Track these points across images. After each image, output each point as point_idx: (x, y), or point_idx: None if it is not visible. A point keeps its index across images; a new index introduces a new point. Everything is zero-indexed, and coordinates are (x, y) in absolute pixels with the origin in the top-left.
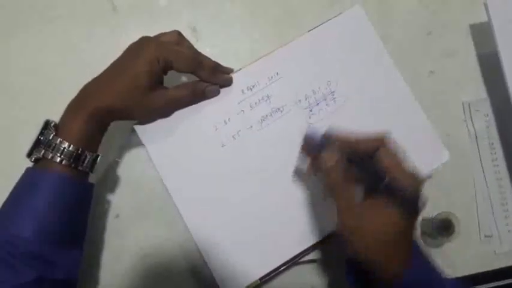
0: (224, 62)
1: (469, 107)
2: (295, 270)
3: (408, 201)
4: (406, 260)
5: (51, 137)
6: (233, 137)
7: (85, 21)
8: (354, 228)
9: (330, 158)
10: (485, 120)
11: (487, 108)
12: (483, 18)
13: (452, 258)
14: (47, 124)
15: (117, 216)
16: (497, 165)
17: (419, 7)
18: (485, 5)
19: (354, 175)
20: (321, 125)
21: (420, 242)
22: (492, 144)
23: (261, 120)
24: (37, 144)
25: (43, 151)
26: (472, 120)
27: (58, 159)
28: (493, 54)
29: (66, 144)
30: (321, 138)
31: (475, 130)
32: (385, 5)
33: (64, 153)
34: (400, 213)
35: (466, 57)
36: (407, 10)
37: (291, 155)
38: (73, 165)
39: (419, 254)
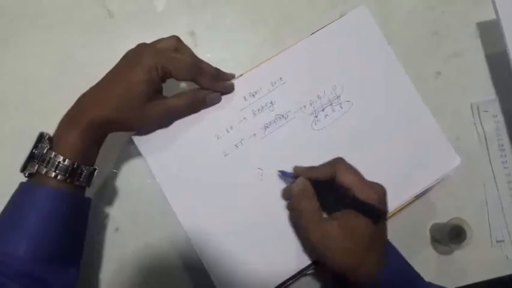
0: (225, 68)
1: (478, 109)
2: (300, 280)
3: (371, 211)
4: (377, 261)
5: (45, 151)
6: (236, 145)
7: (80, 28)
8: (320, 239)
9: (297, 185)
10: (494, 122)
11: (496, 109)
12: (491, 16)
13: (463, 265)
14: (41, 137)
15: (117, 229)
16: (508, 167)
17: (424, 7)
18: (493, 2)
19: (319, 198)
20: (326, 131)
21: (430, 248)
22: (502, 145)
23: (265, 127)
24: (31, 158)
25: (37, 166)
26: (481, 122)
27: (53, 174)
28: (501, 53)
29: (61, 159)
30: (292, 175)
31: (484, 132)
32: (389, 5)
33: (59, 167)
34: (365, 221)
35: (474, 57)
36: (411, 10)
37: (296, 163)
38: (69, 180)
39: (395, 255)
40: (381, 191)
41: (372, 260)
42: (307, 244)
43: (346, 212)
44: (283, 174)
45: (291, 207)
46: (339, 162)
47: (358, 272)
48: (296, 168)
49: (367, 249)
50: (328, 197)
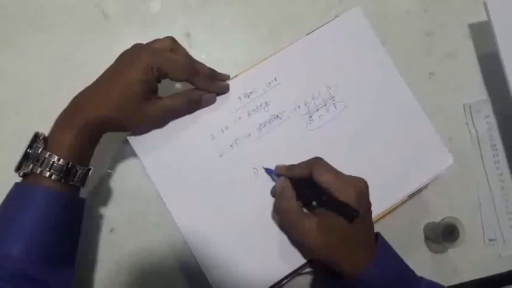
0: (220, 69)
1: (470, 109)
2: (297, 279)
3: (347, 210)
4: (357, 260)
5: (40, 151)
6: (231, 145)
7: (76, 30)
8: (300, 236)
9: (278, 186)
10: (486, 122)
11: (488, 109)
12: (483, 18)
13: (456, 263)
14: (36, 137)
15: (112, 230)
16: (500, 167)
17: (417, 7)
18: (485, 4)
19: (300, 195)
20: (321, 131)
21: (424, 247)
22: (494, 145)
23: (260, 127)
24: (25, 158)
25: (31, 165)
26: (473, 122)
27: (47, 174)
28: (493, 54)
29: (55, 158)
30: (276, 173)
31: (476, 132)
32: (383, 6)
33: (53, 167)
34: (340, 220)
35: (466, 57)
36: (405, 11)
37: (291, 163)
38: (63, 180)
39: (386, 249)
40: (360, 186)
41: (349, 257)
42: (292, 242)
43: (324, 211)
44: (267, 171)
45: (274, 208)
46: (315, 161)
47: (338, 268)
48: (277, 166)
49: (344, 246)
50: (309, 194)
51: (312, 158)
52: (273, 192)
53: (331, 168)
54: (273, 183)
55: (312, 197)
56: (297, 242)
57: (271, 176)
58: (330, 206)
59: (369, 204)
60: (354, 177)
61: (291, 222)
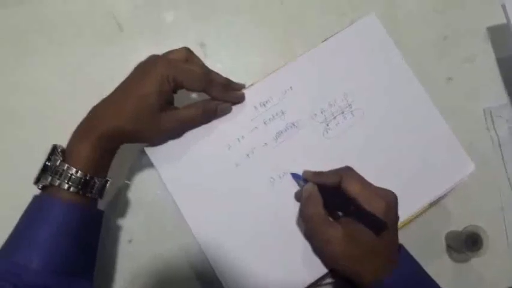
0: (235, 78)
1: (490, 114)
2: None
3: (374, 222)
4: (379, 271)
5: (58, 163)
6: (247, 155)
7: (90, 41)
8: (324, 243)
9: (305, 191)
10: (508, 127)
11: (509, 113)
12: (501, 20)
13: (480, 273)
14: (54, 149)
15: (130, 241)
16: None
17: (433, 12)
18: (503, 6)
19: (327, 203)
20: (338, 139)
21: (446, 257)
22: None
23: (276, 136)
24: (44, 170)
25: (50, 178)
26: (494, 127)
27: (65, 186)
28: None
29: (73, 171)
30: (303, 179)
31: (498, 137)
32: (398, 11)
33: (72, 179)
34: (367, 231)
35: (485, 61)
36: (421, 15)
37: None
38: (81, 192)
39: (409, 261)
40: (390, 199)
41: (372, 269)
42: (314, 249)
43: (350, 221)
44: (294, 177)
45: (299, 212)
46: (345, 170)
47: (359, 279)
48: (305, 172)
49: (368, 258)
50: (336, 203)
51: (342, 167)
52: (298, 197)
53: (362, 178)
54: (291, 192)
55: (339, 205)
56: (320, 250)
57: (297, 181)
58: (357, 217)
59: (397, 218)
60: (384, 189)
61: (316, 229)
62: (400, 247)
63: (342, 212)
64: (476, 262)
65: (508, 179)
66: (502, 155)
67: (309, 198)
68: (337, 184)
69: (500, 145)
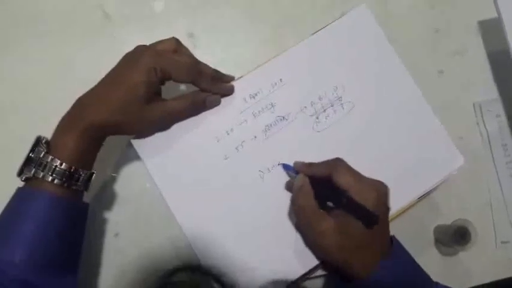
0: (224, 70)
1: (480, 108)
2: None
3: (366, 214)
4: (370, 263)
5: (42, 155)
6: (236, 148)
7: (77, 32)
8: (316, 235)
9: (296, 182)
10: (497, 121)
11: (498, 108)
12: (492, 14)
13: (467, 266)
14: (38, 141)
15: (117, 234)
16: None
17: (424, 4)
18: (495, 0)
19: (318, 194)
20: (328, 132)
21: (434, 250)
22: (505, 145)
23: (265, 129)
24: (28, 162)
25: (33, 170)
26: (483, 122)
27: (49, 179)
28: (503, 51)
29: (58, 162)
30: (293, 169)
31: (487, 132)
32: (389, 3)
33: (56, 171)
34: (358, 224)
35: (476, 55)
36: (412, 8)
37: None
38: (66, 184)
39: (401, 253)
40: (381, 190)
41: (363, 261)
42: (305, 240)
43: (342, 213)
44: (285, 168)
45: (291, 204)
46: (336, 162)
47: (350, 271)
48: (296, 163)
49: (359, 250)
50: (327, 194)
51: (333, 158)
52: (288, 187)
53: (352, 170)
54: (281, 185)
55: (330, 197)
56: (311, 241)
57: (287, 172)
58: (349, 209)
59: (388, 209)
60: (375, 180)
61: (307, 221)
62: (392, 238)
63: (333, 204)
64: (464, 256)
65: (497, 173)
66: (491, 149)
67: (300, 190)
68: (328, 175)
69: (489, 139)
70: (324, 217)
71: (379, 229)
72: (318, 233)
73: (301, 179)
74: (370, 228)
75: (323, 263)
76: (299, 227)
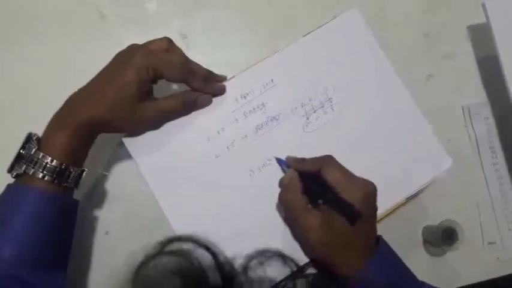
0: (216, 70)
1: (469, 111)
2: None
3: (350, 211)
4: (353, 262)
5: (33, 152)
6: (227, 147)
7: (73, 32)
8: (302, 230)
9: (285, 177)
10: (485, 124)
11: (487, 111)
12: (482, 20)
13: (455, 267)
14: (29, 138)
15: (107, 232)
16: (499, 169)
17: (414, 9)
18: (483, 6)
19: (307, 190)
20: (318, 133)
21: (422, 250)
22: (493, 148)
23: (256, 129)
24: (18, 158)
25: (24, 166)
26: (472, 125)
27: (40, 175)
28: (492, 56)
29: (48, 159)
30: (286, 164)
31: (475, 134)
32: (381, 8)
33: (46, 168)
34: (343, 220)
35: (465, 60)
36: (402, 13)
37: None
38: (56, 181)
39: (387, 253)
40: (368, 189)
41: (346, 258)
42: (294, 236)
43: (327, 209)
44: (278, 162)
45: (278, 198)
46: (326, 158)
47: (334, 268)
48: (287, 157)
49: (343, 247)
50: (315, 190)
51: (324, 155)
52: (280, 183)
53: (341, 167)
54: (270, 185)
55: (317, 192)
56: (299, 236)
57: (281, 166)
58: (334, 205)
59: (375, 208)
60: (364, 179)
61: (295, 215)
62: (379, 238)
63: (321, 200)
64: (452, 256)
65: (484, 175)
66: (479, 151)
67: (288, 184)
68: (317, 171)
69: (477, 142)
70: (311, 211)
71: (364, 228)
72: (304, 227)
73: (290, 174)
74: (353, 224)
75: (313, 260)
76: (287, 221)
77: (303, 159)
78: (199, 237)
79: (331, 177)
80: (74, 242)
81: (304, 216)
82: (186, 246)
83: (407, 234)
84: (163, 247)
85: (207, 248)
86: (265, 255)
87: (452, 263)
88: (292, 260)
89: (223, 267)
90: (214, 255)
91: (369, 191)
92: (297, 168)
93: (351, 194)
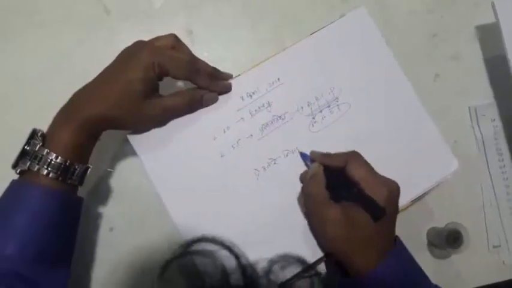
0: (222, 68)
1: (476, 112)
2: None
3: (374, 208)
4: (371, 259)
5: (37, 148)
6: (232, 146)
7: (76, 25)
8: (321, 222)
9: (311, 170)
10: (492, 125)
11: (494, 112)
12: (490, 19)
13: (459, 270)
14: (33, 133)
15: (111, 229)
16: (505, 171)
17: (422, 9)
18: (493, 5)
19: (331, 185)
20: (324, 132)
21: (427, 253)
22: (500, 149)
23: (262, 128)
24: (23, 155)
25: (29, 163)
26: (478, 126)
27: (45, 172)
28: (500, 56)
29: (53, 156)
30: (310, 159)
31: (482, 136)
32: (388, 7)
33: (51, 165)
34: (367, 216)
35: (472, 60)
36: (410, 12)
37: (293, 164)
38: (61, 178)
39: (402, 254)
40: (393, 188)
41: (364, 255)
42: (312, 230)
43: (353, 203)
44: (302, 156)
45: (301, 191)
46: (352, 154)
47: (351, 264)
48: (312, 152)
49: (363, 243)
50: (339, 185)
51: (350, 151)
52: (302, 177)
53: (367, 164)
54: (276, 184)
55: (342, 188)
56: (319, 230)
57: (304, 161)
58: (359, 201)
59: (397, 208)
60: (388, 178)
61: (316, 209)
62: (396, 239)
63: (344, 196)
64: (457, 259)
65: (491, 177)
66: (485, 153)
67: (313, 177)
68: (342, 167)
69: (484, 144)
70: (333, 206)
71: (385, 226)
72: (325, 221)
73: (316, 168)
74: (376, 221)
75: (328, 255)
76: (307, 214)
77: (329, 154)
78: (223, 238)
79: (357, 173)
80: (78, 239)
81: (327, 209)
82: (210, 247)
83: (412, 236)
84: (188, 247)
85: (230, 250)
86: (287, 260)
87: (457, 266)
88: (311, 266)
89: (245, 269)
90: (237, 256)
91: (393, 189)
92: (322, 163)
93: (376, 191)
